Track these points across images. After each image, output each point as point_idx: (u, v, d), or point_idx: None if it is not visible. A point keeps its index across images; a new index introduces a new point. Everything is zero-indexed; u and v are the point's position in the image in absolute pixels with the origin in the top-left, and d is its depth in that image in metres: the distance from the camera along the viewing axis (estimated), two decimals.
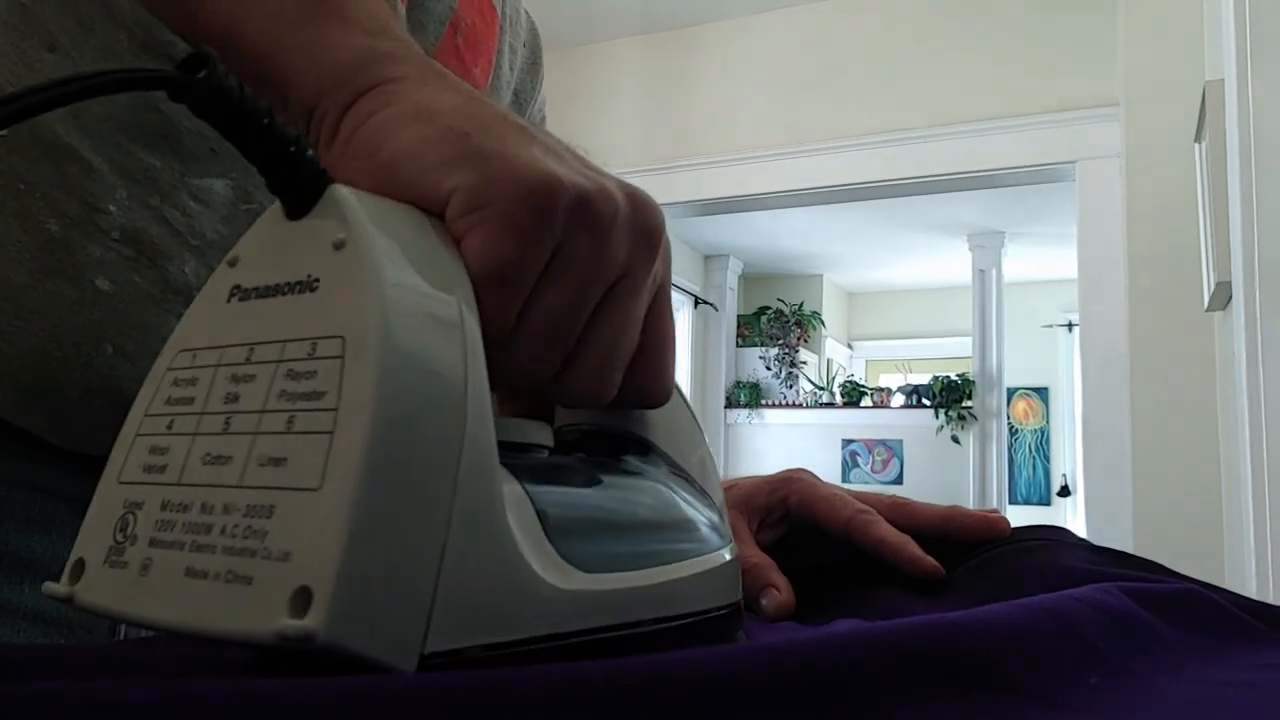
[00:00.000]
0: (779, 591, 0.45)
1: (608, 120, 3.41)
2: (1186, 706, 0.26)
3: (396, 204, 0.27)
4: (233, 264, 0.28)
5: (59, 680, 0.17)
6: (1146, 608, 0.33)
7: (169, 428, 0.26)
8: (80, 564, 0.26)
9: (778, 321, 6.45)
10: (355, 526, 0.21)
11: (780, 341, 6.37)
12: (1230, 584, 0.41)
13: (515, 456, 0.27)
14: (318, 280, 0.25)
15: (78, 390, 0.42)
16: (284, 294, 0.26)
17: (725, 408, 5.82)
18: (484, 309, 0.27)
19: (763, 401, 6.06)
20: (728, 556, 0.34)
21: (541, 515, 0.26)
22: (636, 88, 3.44)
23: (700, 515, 0.34)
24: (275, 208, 0.27)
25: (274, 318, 0.26)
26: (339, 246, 0.25)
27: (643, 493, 0.33)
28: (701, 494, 0.36)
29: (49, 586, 0.26)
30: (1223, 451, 2.05)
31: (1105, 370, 2.52)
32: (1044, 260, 5.99)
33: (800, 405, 6.13)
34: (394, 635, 0.22)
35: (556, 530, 0.27)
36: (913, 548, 0.46)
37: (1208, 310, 2.01)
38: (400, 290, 0.24)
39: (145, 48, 0.44)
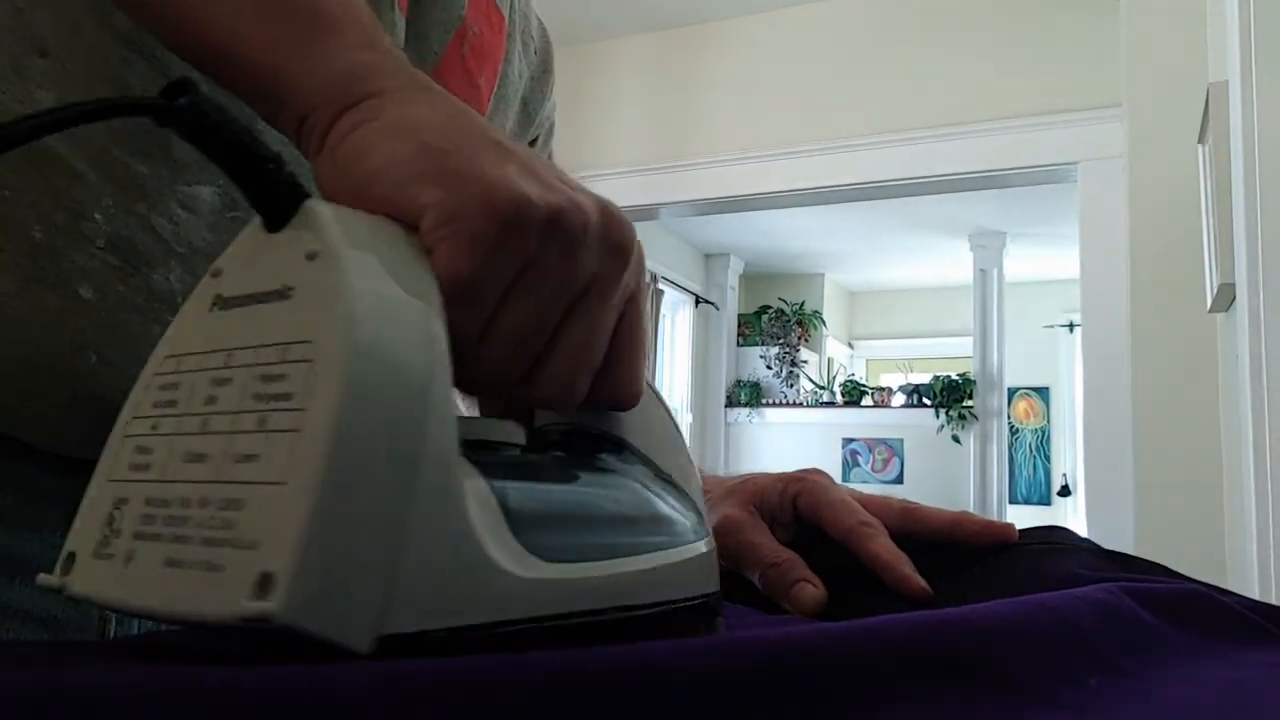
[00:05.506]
0: (814, 586, 0.44)
1: (609, 119, 3.40)
2: (1186, 707, 0.26)
3: (372, 216, 0.29)
4: (215, 275, 0.30)
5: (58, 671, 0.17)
6: (1147, 608, 0.33)
7: (154, 429, 0.28)
8: (71, 557, 0.28)
9: (778, 320, 6.44)
10: (315, 516, 0.22)
11: (781, 340, 6.36)
12: (1232, 586, 0.40)
13: (485, 454, 0.29)
14: (291, 289, 0.27)
15: (62, 398, 0.42)
16: (260, 302, 0.27)
17: (726, 406, 5.82)
18: (451, 318, 0.28)
19: (763, 400, 6.05)
20: (703, 549, 0.35)
21: (505, 508, 0.28)
22: (639, 87, 3.44)
23: (672, 511, 0.35)
24: (257, 221, 0.29)
25: (251, 325, 0.27)
26: (312, 257, 0.26)
27: (612, 488, 0.34)
28: (677, 492, 0.37)
29: (43, 578, 0.28)
30: (1224, 453, 2.05)
31: (1107, 371, 2.52)
32: (1045, 260, 5.98)
33: (801, 404, 6.13)
34: (349, 618, 0.23)
35: (519, 521, 0.28)
36: (904, 568, 0.44)
37: (1210, 311, 2.01)
38: (367, 296, 0.26)
39: (130, 46, 0.43)
